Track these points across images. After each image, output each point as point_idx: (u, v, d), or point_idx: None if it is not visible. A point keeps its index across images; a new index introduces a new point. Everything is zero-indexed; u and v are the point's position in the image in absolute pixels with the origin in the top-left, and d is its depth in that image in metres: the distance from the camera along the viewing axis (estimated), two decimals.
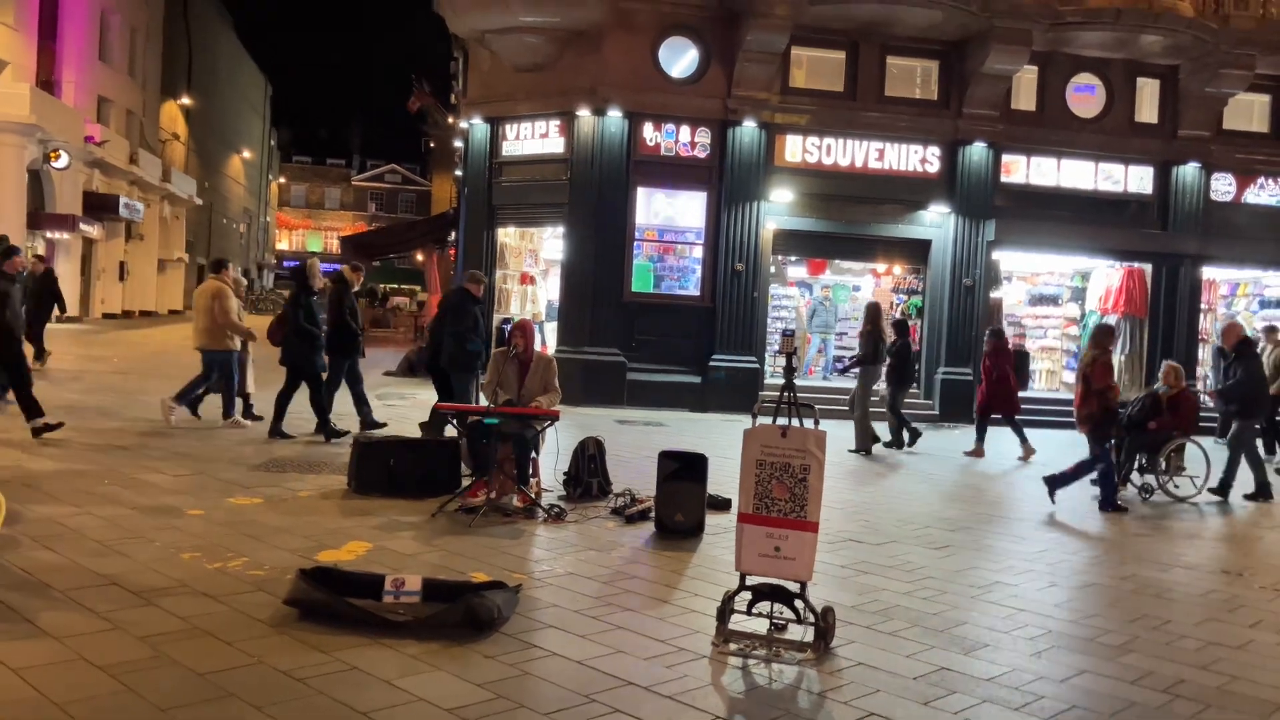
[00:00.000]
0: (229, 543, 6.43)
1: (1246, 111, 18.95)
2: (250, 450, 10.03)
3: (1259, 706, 4.67)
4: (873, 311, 13.54)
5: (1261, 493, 10.70)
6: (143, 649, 4.50)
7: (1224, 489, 10.67)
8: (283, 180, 78.58)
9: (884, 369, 13.51)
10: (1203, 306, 19.05)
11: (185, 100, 44.08)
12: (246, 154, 58.29)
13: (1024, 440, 13.20)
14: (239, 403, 11.85)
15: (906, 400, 14.50)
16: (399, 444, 8.68)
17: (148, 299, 38.50)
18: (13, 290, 10.01)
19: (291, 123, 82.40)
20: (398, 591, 5.24)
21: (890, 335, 14.00)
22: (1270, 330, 15.40)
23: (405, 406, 14.03)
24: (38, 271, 17.21)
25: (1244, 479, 10.73)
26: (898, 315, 17.35)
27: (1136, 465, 10.80)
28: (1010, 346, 14.94)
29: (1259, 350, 13.77)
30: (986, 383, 13.42)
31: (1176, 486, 10.55)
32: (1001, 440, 13.62)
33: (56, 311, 17.92)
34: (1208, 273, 19.16)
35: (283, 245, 79.97)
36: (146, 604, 5.12)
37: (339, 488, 8.42)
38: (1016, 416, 13.45)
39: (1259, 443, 11.84)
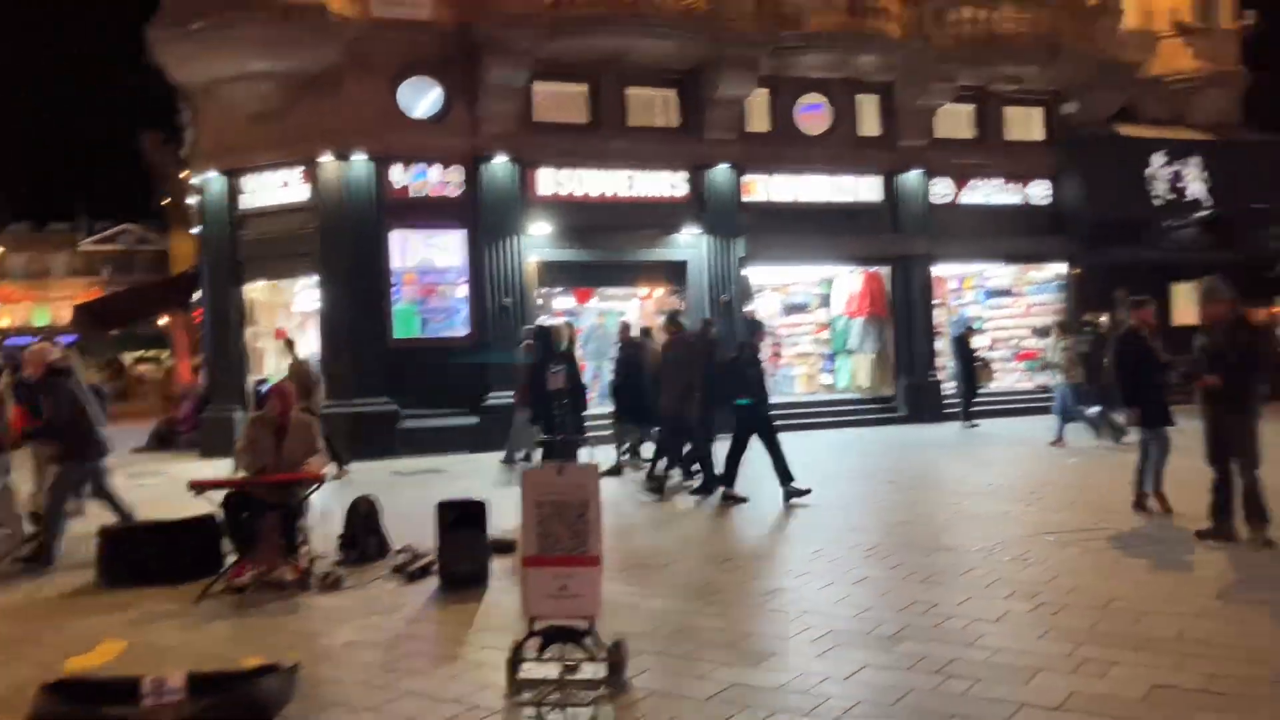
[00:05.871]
0: None
1: (955, 120, 20.63)
2: None
3: (1019, 674, 5.00)
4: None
5: None
6: None
7: None
8: None
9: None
10: (935, 301, 20.54)
11: None
12: None
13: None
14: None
15: None
16: (149, 528, 8.02)
17: None
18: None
19: (4, 189, 75.36)
20: (159, 692, 4.80)
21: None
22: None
23: (161, 484, 13.05)
24: None
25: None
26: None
27: None
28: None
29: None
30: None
31: None
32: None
33: None
34: (937, 270, 20.69)
35: (4, 322, 72.97)
36: None
37: (86, 583, 7.70)
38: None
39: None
